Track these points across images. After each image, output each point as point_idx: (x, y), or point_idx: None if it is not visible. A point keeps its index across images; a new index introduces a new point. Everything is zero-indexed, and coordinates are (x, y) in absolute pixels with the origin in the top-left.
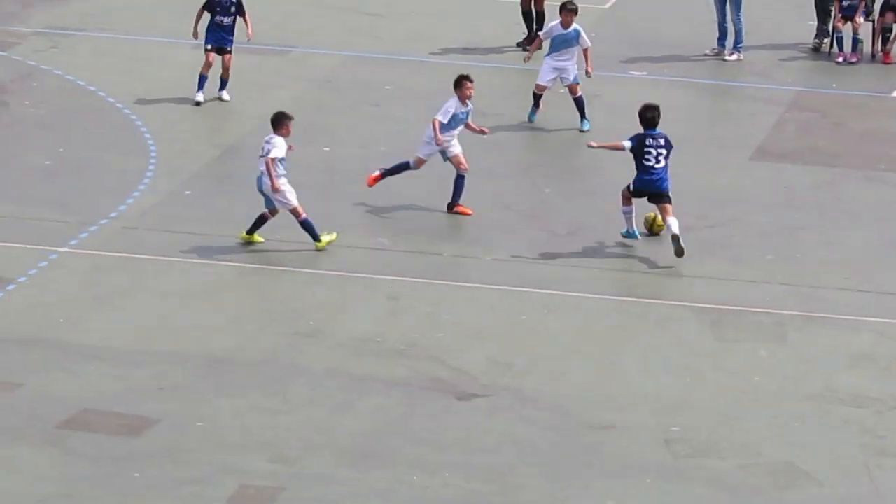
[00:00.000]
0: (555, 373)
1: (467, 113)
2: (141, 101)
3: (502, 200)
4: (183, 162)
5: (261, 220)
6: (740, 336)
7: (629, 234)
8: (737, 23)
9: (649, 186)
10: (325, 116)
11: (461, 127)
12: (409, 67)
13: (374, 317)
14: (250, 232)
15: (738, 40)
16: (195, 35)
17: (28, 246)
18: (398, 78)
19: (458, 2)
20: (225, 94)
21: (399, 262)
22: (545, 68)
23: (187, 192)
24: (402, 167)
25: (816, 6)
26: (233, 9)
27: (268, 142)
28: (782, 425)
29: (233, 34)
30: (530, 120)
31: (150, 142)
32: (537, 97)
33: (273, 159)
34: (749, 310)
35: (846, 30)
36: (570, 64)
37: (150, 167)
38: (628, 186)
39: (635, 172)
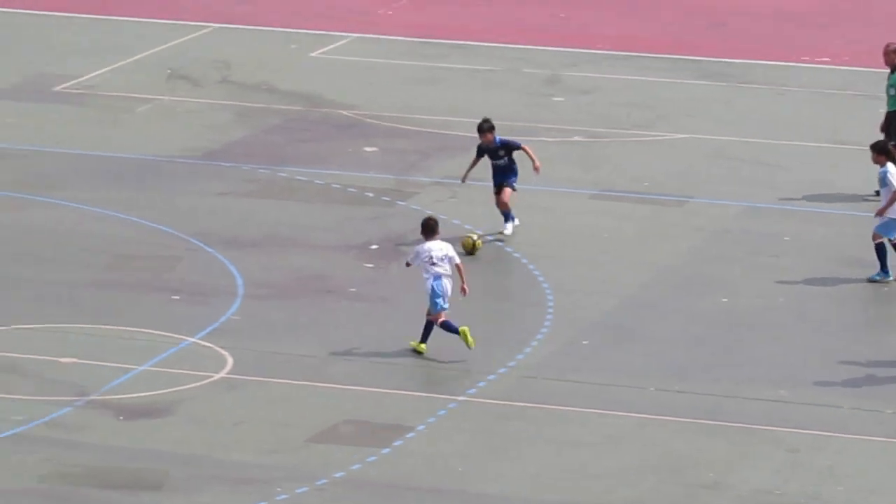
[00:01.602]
0: None
1: None
2: (539, 251)
3: None
4: (580, 311)
5: (429, 328)
6: None
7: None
8: None
9: None
10: (723, 268)
11: None
12: (807, 218)
13: (774, 469)
14: (423, 341)
15: None
16: (462, 180)
17: (427, 394)
18: (797, 229)
19: (840, 152)
20: (507, 228)
21: (799, 415)
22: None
23: (585, 342)
24: None
25: None
26: (501, 152)
27: (437, 248)
28: None
29: (511, 172)
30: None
31: (548, 291)
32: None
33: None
34: None
35: None
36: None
37: (548, 316)
38: None
39: None
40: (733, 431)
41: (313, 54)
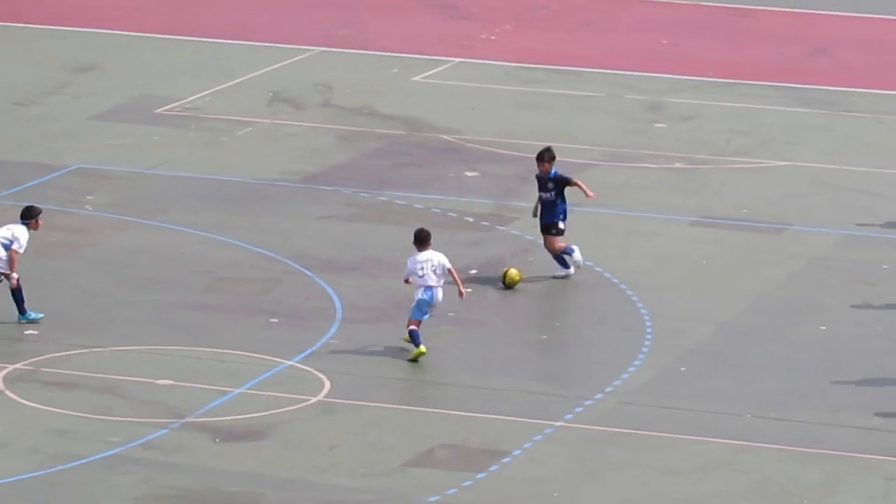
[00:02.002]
0: None
1: None
2: (637, 277)
3: None
4: (678, 338)
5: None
6: None
7: None
8: None
9: None
10: (821, 295)
11: None
12: None
13: (869, 497)
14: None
15: None
16: (534, 214)
17: (524, 419)
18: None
19: None
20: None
21: (895, 443)
22: None
23: (682, 369)
24: None
25: None
26: (550, 184)
27: (425, 259)
28: None
29: (558, 211)
30: None
31: (646, 317)
32: None
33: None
34: None
35: None
36: None
37: (646, 343)
38: None
39: None
40: (828, 459)
41: (415, 78)
